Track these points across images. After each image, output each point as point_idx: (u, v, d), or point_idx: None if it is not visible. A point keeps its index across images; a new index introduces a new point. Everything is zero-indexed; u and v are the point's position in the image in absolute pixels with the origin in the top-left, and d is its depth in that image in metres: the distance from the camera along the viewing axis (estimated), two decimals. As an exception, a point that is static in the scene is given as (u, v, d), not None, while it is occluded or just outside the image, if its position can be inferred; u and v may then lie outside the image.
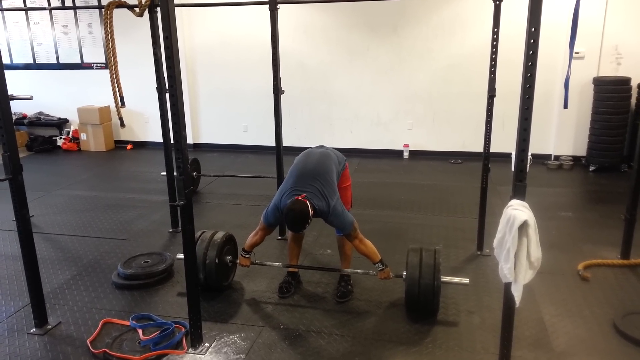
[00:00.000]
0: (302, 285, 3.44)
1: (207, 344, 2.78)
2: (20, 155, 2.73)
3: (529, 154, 2.21)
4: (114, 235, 4.40)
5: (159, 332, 2.81)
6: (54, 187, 5.86)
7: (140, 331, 2.86)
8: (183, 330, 2.85)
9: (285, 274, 3.44)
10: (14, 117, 7.64)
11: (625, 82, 5.87)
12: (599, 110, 5.97)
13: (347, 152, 6.47)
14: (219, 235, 3.33)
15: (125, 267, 3.54)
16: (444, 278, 3.01)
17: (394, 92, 6.90)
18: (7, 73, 2.64)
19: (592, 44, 6.00)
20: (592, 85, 6.07)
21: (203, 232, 3.35)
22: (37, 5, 7.56)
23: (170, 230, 4.46)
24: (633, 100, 5.96)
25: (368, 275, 3.21)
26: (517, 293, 2.15)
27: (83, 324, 3.01)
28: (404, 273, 3.02)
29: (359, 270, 3.24)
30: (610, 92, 5.87)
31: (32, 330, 2.93)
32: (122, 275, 3.49)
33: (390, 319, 3.03)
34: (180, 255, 2.98)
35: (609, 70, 6.09)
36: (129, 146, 7.92)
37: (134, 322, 2.94)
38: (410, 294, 2.97)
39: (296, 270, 3.45)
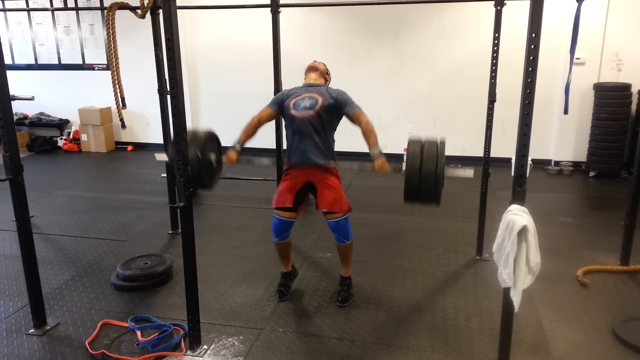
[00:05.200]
0: (301, 287, 3.44)
1: (205, 346, 2.78)
2: (21, 156, 2.73)
3: (529, 159, 2.22)
4: (114, 237, 4.40)
5: (157, 333, 2.81)
6: (54, 188, 5.87)
7: (138, 333, 2.86)
8: (182, 332, 2.85)
9: (280, 276, 3.41)
10: (15, 118, 7.64)
11: (625, 88, 5.88)
12: (599, 116, 5.98)
13: (348, 156, 6.48)
14: (202, 132, 3.06)
15: (125, 269, 3.53)
16: (449, 171, 2.75)
17: (394, 96, 6.91)
18: (9, 73, 2.64)
19: (593, 50, 6.02)
20: (593, 91, 6.08)
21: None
22: (40, 6, 7.58)
23: (170, 232, 4.46)
24: (633, 107, 5.97)
25: (368, 277, 3.20)
26: (516, 298, 2.15)
27: (82, 325, 3.01)
28: (404, 163, 2.76)
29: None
30: (610, 98, 5.88)
31: (30, 331, 2.92)
32: (121, 277, 3.49)
33: (389, 324, 3.03)
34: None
35: (610, 77, 6.10)
36: (130, 147, 7.93)
37: (132, 323, 2.94)
38: (410, 184, 2.77)
39: (290, 269, 3.40)
